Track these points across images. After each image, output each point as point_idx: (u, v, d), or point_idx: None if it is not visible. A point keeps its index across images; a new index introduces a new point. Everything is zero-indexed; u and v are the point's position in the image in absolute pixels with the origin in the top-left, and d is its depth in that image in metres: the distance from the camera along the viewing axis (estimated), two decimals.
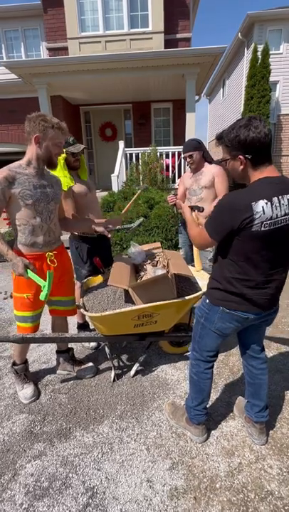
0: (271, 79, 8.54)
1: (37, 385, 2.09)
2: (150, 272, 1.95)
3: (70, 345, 2.25)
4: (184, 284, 2.13)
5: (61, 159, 2.11)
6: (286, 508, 1.31)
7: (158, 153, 6.44)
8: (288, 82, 10.04)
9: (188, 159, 2.54)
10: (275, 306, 1.40)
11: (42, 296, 1.56)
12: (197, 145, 2.50)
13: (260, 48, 8.31)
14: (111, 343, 2.17)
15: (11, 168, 1.62)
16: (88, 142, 9.12)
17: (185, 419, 1.67)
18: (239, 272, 1.27)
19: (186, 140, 2.70)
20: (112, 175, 5.95)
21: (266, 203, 1.13)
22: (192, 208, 1.73)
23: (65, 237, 2.15)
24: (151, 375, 2.16)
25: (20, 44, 8.21)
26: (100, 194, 5.42)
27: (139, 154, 6.53)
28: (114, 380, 2.09)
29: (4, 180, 1.56)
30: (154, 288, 1.78)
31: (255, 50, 8.40)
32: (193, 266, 2.37)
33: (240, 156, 1.20)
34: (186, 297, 1.86)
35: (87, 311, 1.90)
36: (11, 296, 3.19)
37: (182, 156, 2.67)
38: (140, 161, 6.47)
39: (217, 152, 14.31)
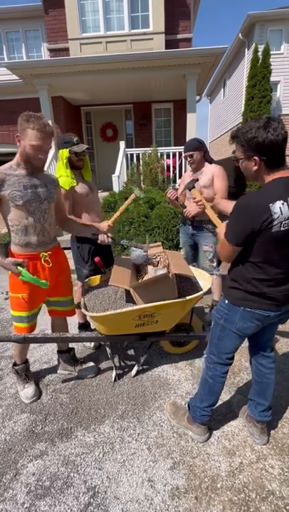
0: (272, 79, 8.52)
1: (38, 384, 2.09)
2: (151, 272, 1.95)
3: (71, 345, 2.26)
4: (185, 284, 2.13)
5: (64, 158, 2.12)
6: (287, 507, 1.31)
7: (159, 154, 6.44)
8: None
9: (188, 159, 2.55)
10: None
11: (44, 284, 1.70)
12: (198, 145, 2.52)
13: (261, 48, 8.29)
14: (112, 343, 2.17)
15: (1, 171, 1.61)
16: (89, 143, 9.12)
17: (187, 419, 1.67)
18: (259, 273, 1.27)
19: (188, 140, 2.71)
20: (112, 175, 5.95)
21: (283, 204, 1.14)
22: (188, 188, 1.76)
23: (67, 237, 2.16)
24: (153, 375, 2.16)
25: (22, 45, 8.23)
26: (101, 194, 5.42)
27: (140, 155, 6.52)
28: (115, 380, 2.09)
29: None
30: (155, 288, 1.79)
31: (255, 50, 8.39)
32: (194, 266, 2.38)
33: (256, 158, 1.20)
34: (187, 297, 1.87)
35: (88, 311, 1.90)
36: None
37: (183, 155, 2.68)
38: (141, 161, 6.47)
39: (217, 152, 14.32)
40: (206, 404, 1.57)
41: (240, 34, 10.16)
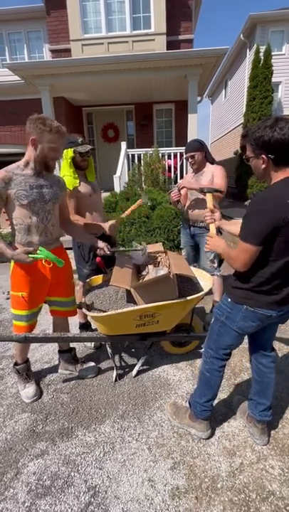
0: (273, 80, 8.54)
1: (39, 384, 2.10)
2: (152, 272, 1.96)
3: (72, 345, 2.26)
4: (186, 285, 2.14)
5: (68, 158, 2.14)
6: (287, 508, 1.31)
7: (160, 154, 6.45)
8: None
9: (190, 159, 2.56)
10: None
11: (60, 262, 1.68)
12: (199, 146, 2.53)
13: (263, 49, 8.30)
14: (113, 343, 2.17)
15: (8, 170, 1.64)
16: (91, 143, 9.10)
17: (188, 416, 1.67)
18: (267, 272, 1.27)
19: (189, 141, 2.72)
20: (114, 176, 5.97)
21: None
22: (203, 191, 1.75)
23: (68, 236, 2.17)
24: (153, 375, 2.16)
25: (24, 46, 8.27)
26: (102, 195, 5.42)
27: (141, 155, 6.54)
28: (116, 380, 2.10)
29: (1, 182, 1.60)
30: (155, 288, 1.79)
31: (257, 51, 8.40)
32: (195, 266, 2.38)
33: (263, 156, 1.23)
34: (188, 297, 1.87)
35: (89, 310, 1.91)
36: None
37: (184, 156, 2.69)
38: (142, 161, 6.48)
39: (219, 153, 14.32)
40: (206, 399, 1.58)
41: (241, 35, 10.17)
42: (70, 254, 2.23)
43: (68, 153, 2.13)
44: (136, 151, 6.80)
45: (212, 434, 1.66)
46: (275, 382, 2.00)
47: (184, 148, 2.66)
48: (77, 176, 2.18)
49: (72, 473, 1.49)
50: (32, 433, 1.72)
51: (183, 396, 1.95)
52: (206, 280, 2.20)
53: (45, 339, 1.93)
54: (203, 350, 1.62)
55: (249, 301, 1.34)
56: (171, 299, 1.82)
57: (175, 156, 6.69)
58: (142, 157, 6.52)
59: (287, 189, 1.18)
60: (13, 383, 2.13)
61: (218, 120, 15.42)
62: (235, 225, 1.52)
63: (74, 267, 2.26)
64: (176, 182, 6.70)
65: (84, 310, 1.93)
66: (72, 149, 2.13)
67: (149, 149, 6.56)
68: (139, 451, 1.59)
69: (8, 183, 1.61)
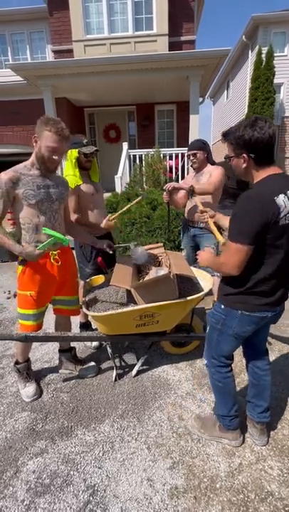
0: (275, 81, 8.55)
1: (39, 383, 2.10)
2: (152, 272, 1.96)
3: (72, 344, 2.27)
4: (186, 285, 2.14)
5: (73, 159, 2.16)
6: (286, 508, 1.31)
7: (161, 155, 6.45)
8: None
9: (191, 157, 2.58)
10: (286, 300, 1.41)
11: (64, 241, 1.71)
12: (202, 145, 2.56)
13: (265, 50, 8.32)
14: (113, 342, 2.18)
15: (16, 170, 1.66)
16: (92, 144, 9.15)
17: (218, 428, 1.62)
18: (259, 272, 1.27)
19: (192, 140, 2.74)
20: (115, 176, 5.97)
21: (284, 197, 1.17)
22: (190, 195, 1.76)
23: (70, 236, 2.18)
24: (153, 375, 2.16)
25: (26, 47, 8.29)
26: (104, 195, 5.44)
27: (143, 156, 6.54)
28: (115, 380, 2.10)
29: (9, 182, 1.61)
30: (156, 288, 1.80)
31: (259, 53, 8.41)
32: (195, 267, 2.38)
33: (244, 155, 1.24)
34: (188, 297, 1.87)
35: (89, 310, 1.91)
36: (15, 296, 3.23)
37: (186, 154, 2.71)
38: (144, 162, 6.48)
39: (220, 154, 14.32)
40: (228, 408, 1.55)
41: (243, 36, 10.18)
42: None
43: (73, 153, 2.16)
44: (137, 152, 6.81)
45: (244, 440, 1.62)
46: (275, 383, 2.01)
47: (185, 149, 2.68)
48: (81, 176, 2.21)
49: (72, 472, 1.49)
50: (32, 432, 1.73)
51: (183, 396, 1.95)
52: (206, 280, 2.20)
53: (45, 338, 1.93)
54: (205, 362, 1.58)
55: (243, 305, 1.33)
56: (172, 299, 1.82)
57: (176, 156, 6.69)
58: (143, 158, 6.53)
59: (270, 187, 1.19)
60: (13, 382, 2.13)
61: (220, 121, 15.42)
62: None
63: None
64: (177, 182, 6.71)
65: (84, 309, 1.94)
66: (77, 150, 2.16)
67: (151, 150, 6.57)
68: (139, 451, 1.59)
69: (16, 183, 1.63)
